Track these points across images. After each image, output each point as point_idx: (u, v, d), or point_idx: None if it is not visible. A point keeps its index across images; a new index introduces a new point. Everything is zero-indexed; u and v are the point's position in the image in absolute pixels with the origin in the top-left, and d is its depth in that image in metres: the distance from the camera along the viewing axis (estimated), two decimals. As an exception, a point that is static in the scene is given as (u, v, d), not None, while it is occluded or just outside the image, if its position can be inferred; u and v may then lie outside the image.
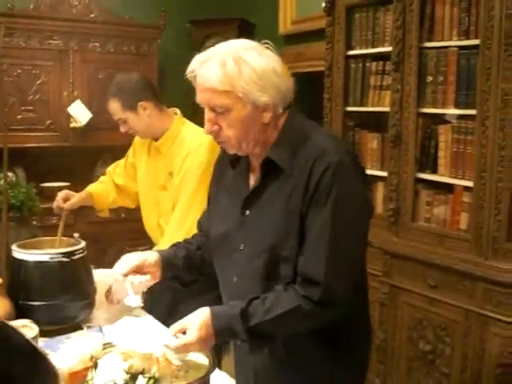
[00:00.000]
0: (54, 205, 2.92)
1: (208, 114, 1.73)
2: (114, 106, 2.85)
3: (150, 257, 1.96)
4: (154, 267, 1.96)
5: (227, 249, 1.87)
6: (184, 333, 1.68)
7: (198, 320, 1.68)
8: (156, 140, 2.93)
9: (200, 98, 1.72)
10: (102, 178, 3.26)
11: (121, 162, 3.23)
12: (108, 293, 2.70)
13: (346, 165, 1.69)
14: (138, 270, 1.92)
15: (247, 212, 1.81)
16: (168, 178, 2.88)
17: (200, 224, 2.18)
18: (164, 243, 2.68)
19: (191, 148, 2.82)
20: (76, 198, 2.95)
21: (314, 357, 1.82)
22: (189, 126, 2.98)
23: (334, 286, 1.65)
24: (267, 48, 1.75)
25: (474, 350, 2.94)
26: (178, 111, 3.00)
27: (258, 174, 1.81)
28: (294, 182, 1.70)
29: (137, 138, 3.11)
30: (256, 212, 1.79)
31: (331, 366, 1.84)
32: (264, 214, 1.77)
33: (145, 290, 2.50)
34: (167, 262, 1.99)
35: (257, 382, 1.92)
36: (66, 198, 2.92)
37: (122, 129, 2.90)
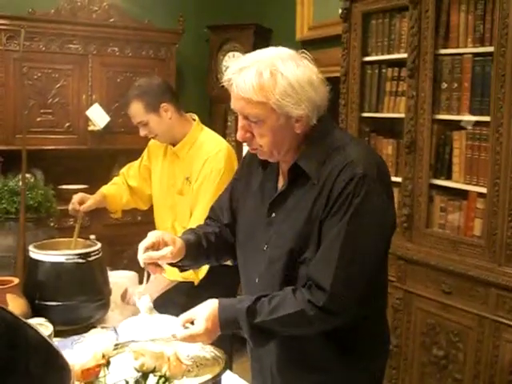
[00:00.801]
0: (70, 207, 2.95)
1: (241, 122, 1.75)
2: (137, 108, 2.86)
3: (177, 242, 1.90)
4: (178, 253, 1.90)
5: (252, 248, 1.90)
6: (192, 323, 1.72)
7: (206, 311, 1.71)
8: (174, 145, 2.96)
9: (234, 105, 1.74)
10: (115, 179, 3.29)
11: (135, 163, 3.25)
12: (124, 294, 2.73)
13: (371, 178, 1.68)
14: (157, 246, 1.85)
15: (273, 214, 1.83)
16: (185, 183, 2.90)
17: (213, 210, 2.17)
18: None
19: (210, 154, 2.84)
20: (91, 201, 2.98)
21: (322, 359, 1.84)
22: (207, 133, 3.01)
23: (340, 295, 1.67)
24: (305, 58, 1.75)
25: (486, 356, 2.93)
26: (196, 117, 3.03)
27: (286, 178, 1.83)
28: (318, 189, 1.72)
29: (152, 141, 3.12)
30: (282, 215, 1.81)
31: (340, 368, 1.85)
32: (288, 218, 1.79)
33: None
34: (190, 251, 1.95)
35: (273, 381, 1.93)
36: (81, 201, 2.94)
37: (142, 132, 2.91)
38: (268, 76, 1.65)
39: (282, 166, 1.87)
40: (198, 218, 2.76)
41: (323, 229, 1.70)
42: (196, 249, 1.98)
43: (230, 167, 2.83)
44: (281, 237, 1.79)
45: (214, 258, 2.09)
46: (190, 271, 2.58)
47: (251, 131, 1.74)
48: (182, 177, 2.93)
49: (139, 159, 3.23)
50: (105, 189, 3.17)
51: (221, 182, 2.73)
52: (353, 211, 1.66)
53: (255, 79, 1.65)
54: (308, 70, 1.72)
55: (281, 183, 1.88)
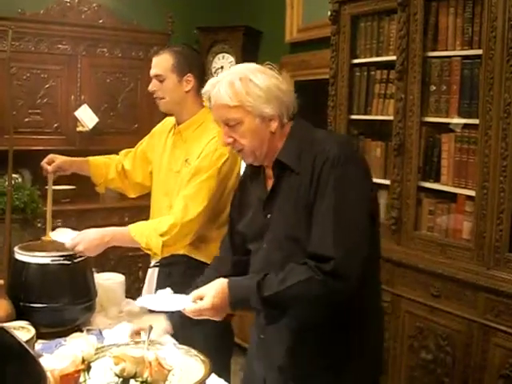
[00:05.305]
0: (42, 170, 2.86)
1: (224, 129, 1.97)
2: (165, 60, 2.76)
3: None
4: None
5: (254, 250, 2.10)
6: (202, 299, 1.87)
7: (214, 289, 1.87)
8: (179, 123, 2.88)
9: (215, 115, 1.99)
10: (111, 156, 3.17)
11: (134, 148, 3.16)
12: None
13: (344, 155, 1.88)
14: None
15: (269, 215, 2.01)
16: (183, 165, 2.79)
17: (222, 244, 2.37)
18: (173, 214, 2.64)
19: (216, 134, 2.67)
20: (60, 160, 2.86)
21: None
22: None
23: (344, 259, 1.79)
24: (270, 69, 2.01)
25: (475, 360, 2.92)
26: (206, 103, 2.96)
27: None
28: (300, 178, 1.91)
29: (157, 127, 3.09)
30: (276, 213, 1.98)
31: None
32: (281, 212, 1.97)
33: None
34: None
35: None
36: (51, 161, 2.85)
37: (153, 87, 2.80)
38: (239, 83, 1.90)
39: (268, 171, 2.06)
40: (189, 190, 2.67)
41: (314, 210, 1.86)
42: None
43: (233, 155, 2.68)
44: (276, 229, 1.97)
45: None
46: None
47: (232, 136, 1.96)
48: (181, 158, 2.82)
49: (139, 143, 3.15)
50: (92, 157, 3.07)
51: (223, 167, 2.68)
52: (332, 186, 1.83)
53: (229, 88, 1.91)
54: (274, 78, 1.96)
55: (269, 187, 2.03)
